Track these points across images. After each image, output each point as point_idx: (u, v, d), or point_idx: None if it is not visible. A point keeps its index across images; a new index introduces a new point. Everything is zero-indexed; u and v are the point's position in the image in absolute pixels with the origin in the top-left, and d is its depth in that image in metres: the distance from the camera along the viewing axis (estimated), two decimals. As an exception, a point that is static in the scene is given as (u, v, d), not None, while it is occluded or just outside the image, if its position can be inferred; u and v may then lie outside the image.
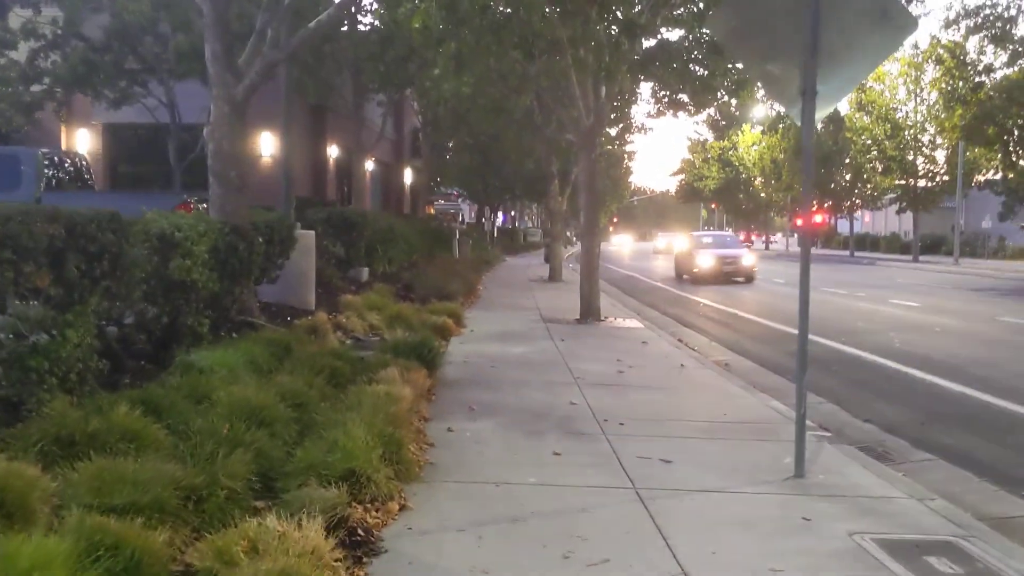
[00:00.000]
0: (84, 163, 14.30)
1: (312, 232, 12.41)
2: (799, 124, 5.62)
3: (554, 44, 12.64)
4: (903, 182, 39.99)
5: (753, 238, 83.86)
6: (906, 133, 38.95)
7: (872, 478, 5.59)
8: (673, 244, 53.03)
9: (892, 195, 42.21)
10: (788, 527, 4.63)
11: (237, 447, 4.67)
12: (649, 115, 26.82)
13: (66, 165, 13.46)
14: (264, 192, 24.23)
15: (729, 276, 26.94)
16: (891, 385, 9.68)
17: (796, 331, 6.17)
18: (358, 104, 20.20)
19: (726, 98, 24.70)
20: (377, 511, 4.36)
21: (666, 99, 25.61)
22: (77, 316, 5.15)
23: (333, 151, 27.43)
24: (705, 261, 27.31)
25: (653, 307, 18.66)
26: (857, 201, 50.85)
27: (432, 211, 56.73)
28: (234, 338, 8.04)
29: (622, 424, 6.70)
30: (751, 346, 12.62)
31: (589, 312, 14.12)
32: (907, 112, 39.22)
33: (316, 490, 4.23)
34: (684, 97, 25.44)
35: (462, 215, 70.00)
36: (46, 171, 12.58)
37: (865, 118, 41.28)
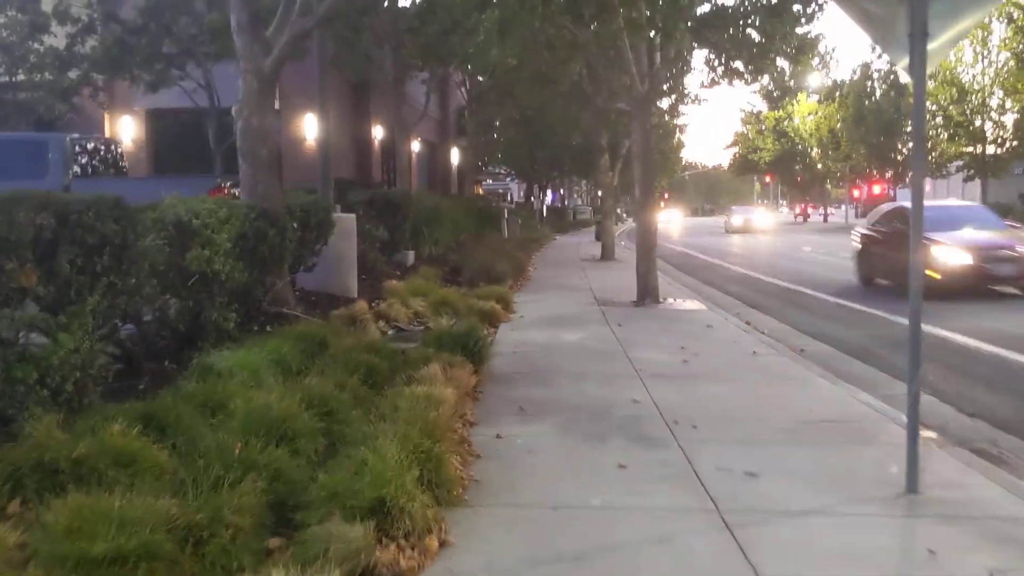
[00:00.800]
0: (117, 149, 13.83)
1: (353, 215, 11.75)
2: (906, 74, 4.72)
3: (605, 5, 11.73)
4: (971, 149, 37.96)
5: (809, 210, 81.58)
6: (973, 97, 36.93)
7: (998, 491, 4.72)
8: (760, 220, 50.98)
9: (959, 163, 40.16)
10: (911, 562, 3.82)
11: (250, 470, 4.00)
12: (703, 85, 25.35)
13: (98, 151, 12.98)
14: (307, 175, 23.73)
15: (1002, 283, 14.67)
16: (989, 371, 8.70)
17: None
18: (399, 80, 19.46)
19: (784, 65, 23.50)
20: (413, 548, 3.63)
21: (720, 68, 24.50)
22: (72, 317, 4.50)
23: (377, 132, 26.82)
24: (953, 256, 14.37)
25: (712, 285, 17.71)
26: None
27: (480, 191, 56.06)
28: (264, 333, 7.40)
29: (695, 426, 5.89)
30: (827, 328, 11.66)
31: (647, 293, 13.27)
32: (974, 76, 37.18)
33: (340, 525, 3.51)
34: (739, 65, 24.35)
35: (511, 194, 69.20)
36: (77, 158, 12.09)
37: (930, 83, 39.30)
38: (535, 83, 19.96)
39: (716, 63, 24.26)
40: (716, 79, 25.27)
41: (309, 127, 24.46)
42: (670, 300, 13.65)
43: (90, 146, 12.79)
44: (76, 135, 12.87)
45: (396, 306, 10.65)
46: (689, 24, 14.18)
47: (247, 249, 7.36)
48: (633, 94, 12.96)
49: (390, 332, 9.25)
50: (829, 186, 76.57)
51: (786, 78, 25.83)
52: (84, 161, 12.45)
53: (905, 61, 4.66)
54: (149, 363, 6.55)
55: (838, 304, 14.27)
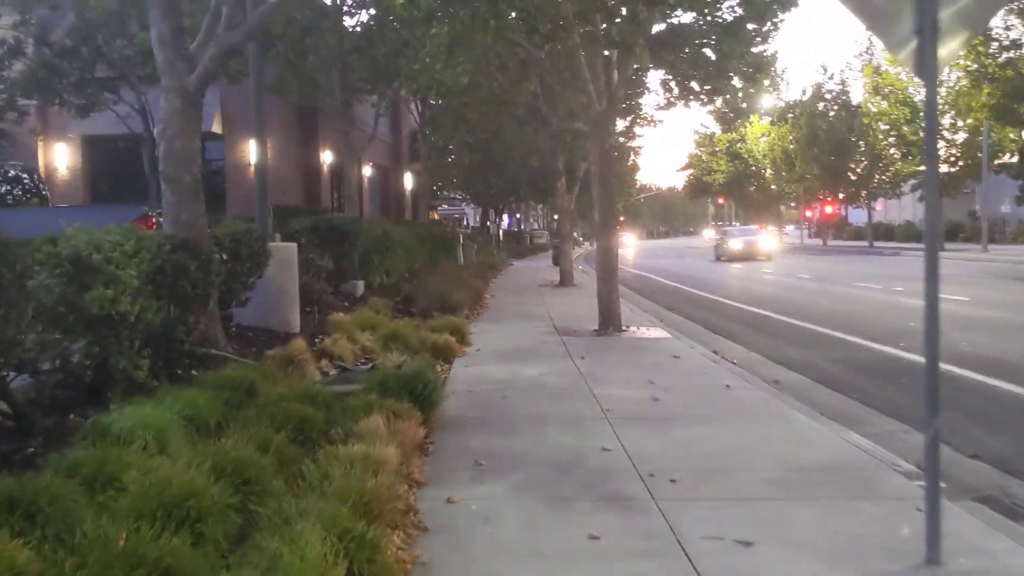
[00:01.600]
0: (37, 177, 12.86)
1: (293, 244, 10.94)
2: (912, 73, 4.11)
3: (560, 20, 11.15)
4: (924, 168, 38.17)
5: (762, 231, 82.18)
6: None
7: (1029, 558, 4.07)
8: (766, 244, 40.77)
9: (913, 181, 40.45)
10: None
11: (136, 568, 3.19)
12: (659, 107, 25.10)
13: (16, 179, 12.02)
14: (252, 204, 22.78)
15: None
16: (980, 402, 8.12)
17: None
18: (347, 103, 18.71)
19: (740, 84, 23.24)
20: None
21: (677, 88, 24.16)
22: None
23: (326, 157, 26.03)
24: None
25: (674, 310, 17.13)
26: (875, 189, 49.03)
27: (436, 216, 55.38)
28: (184, 381, 6.55)
29: (673, 480, 5.18)
30: (796, 355, 11.09)
31: (609, 321, 12.61)
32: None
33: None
34: (695, 85, 24.04)
35: (466, 219, 68.67)
36: (-9, 186, 11.14)
37: (883, 103, 39.59)
38: (488, 105, 19.37)
39: (672, 83, 23.98)
40: (672, 100, 25.01)
41: (253, 153, 23.54)
42: (633, 328, 13.01)
43: (7, 174, 11.82)
44: (-13, 162, 11.91)
45: (341, 342, 9.83)
46: (645, 42, 13.68)
47: (165, 285, 6.52)
48: (591, 113, 12.36)
49: (333, 372, 8.44)
50: (783, 207, 77.22)
51: (740, 99, 25.51)
52: (1, 190, 11.46)
53: (908, 59, 4.05)
54: (48, 419, 5.68)
55: (802, 327, 13.76)
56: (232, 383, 6.28)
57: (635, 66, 13.01)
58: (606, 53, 12.58)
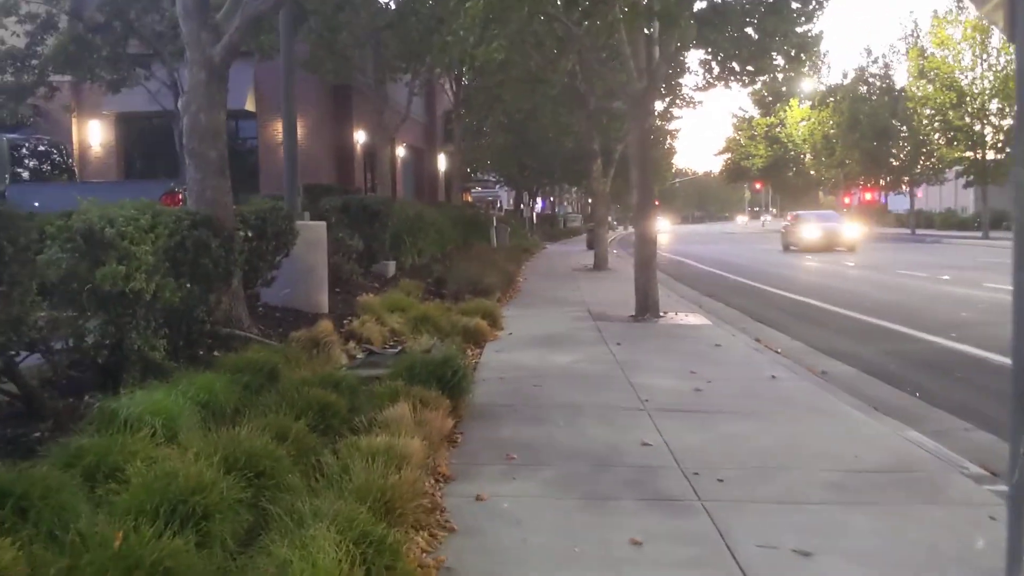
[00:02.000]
0: (64, 151, 12.69)
1: (322, 223, 10.64)
2: (1004, 35, 3.65)
3: (600, -7, 10.71)
4: (969, 154, 37.12)
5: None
6: (972, 101, 36.07)
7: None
8: (849, 232, 32.63)
9: (958, 168, 39.31)
10: None
11: (132, 571, 2.90)
12: (698, 87, 24.53)
13: (45, 154, 11.84)
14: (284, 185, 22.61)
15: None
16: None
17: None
18: (380, 82, 18.36)
19: (784, 64, 22.59)
20: None
21: (717, 68, 23.55)
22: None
23: (359, 137, 25.74)
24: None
25: (714, 297, 16.63)
26: (917, 176, 47.81)
27: (469, 198, 55.08)
28: (205, 362, 6.28)
29: (721, 480, 4.80)
30: (843, 345, 10.60)
31: (646, 307, 12.19)
32: (973, 79, 36.35)
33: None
34: (736, 66, 23.41)
35: (500, 202, 68.26)
36: (19, 160, 10.94)
37: (928, 87, 38.47)
38: (524, 84, 18.93)
39: (713, 64, 23.37)
40: (711, 81, 24.41)
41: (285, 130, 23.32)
42: (671, 314, 12.58)
43: (34, 148, 11.65)
44: (15, 135, 11.72)
45: (369, 324, 9.53)
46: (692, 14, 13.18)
47: (185, 262, 6.24)
48: (630, 91, 11.90)
49: (360, 355, 8.13)
50: (821, 193, 75.89)
51: (781, 81, 24.83)
52: (28, 164, 11.28)
53: (994, 12, 3.59)
54: (62, 401, 5.44)
55: (848, 316, 13.23)
56: (253, 366, 6.01)
57: (677, 44, 12.48)
58: (647, 31, 12.13)
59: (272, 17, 10.94)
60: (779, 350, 9.99)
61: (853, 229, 34.47)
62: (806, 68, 23.98)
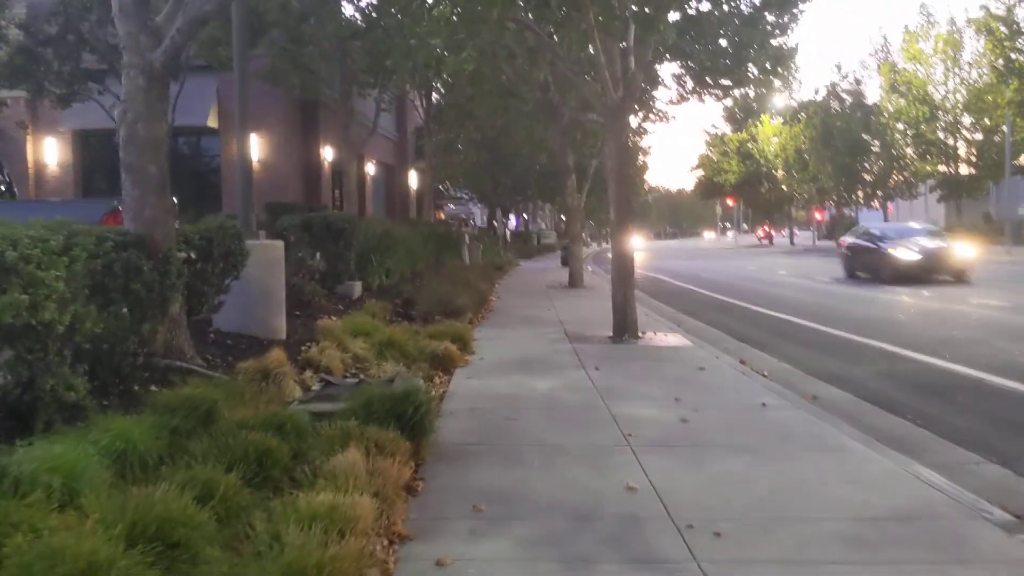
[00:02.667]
0: (3, 169, 11.91)
1: (280, 243, 9.97)
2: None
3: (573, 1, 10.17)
4: (943, 168, 37.09)
5: (772, 233, 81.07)
6: (945, 115, 36.07)
7: None
8: (963, 253, 22.06)
9: (932, 182, 39.30)
10: None
11: None
12: (671, 101, 24.18)
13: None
14: (256, 201, 21.87)
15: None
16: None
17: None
18: (346, 94, 17.74)
19: (759, 76, 22.28)
20: None
21: (692, 82, 23.19)
22: None
23: (327, 153, 25.06)
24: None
25: (692, 315, 16.09)
26: (891, 191, 47.80)
27: (442, 215, 54.46)
28: (134, 401, 5.58)
29: (717, 534, 4.19)
30: (832, 366, 10.07)
31: (624, 327, 11.61)
32: (945, 93, 36.37)
33: None
34: (710, 80, 23.08)
35: (473, 219, 67.72)
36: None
37: (900, 100, 38.46)
38: (495, 98, 18.38)
39: (687, 77, 23.00)
40: (685, 94, 24.04)
41: (255, 148, 22.64)
42: (650, 335, 12.01)
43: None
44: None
45: (329, 351, 8.87)
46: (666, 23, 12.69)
47: (114, 288, 5.56)
48: (606, 102, 11.36)
49: (316, 386, 7.45)
50: (794, 209, 76.09)
51: (756, 95, 24.52)
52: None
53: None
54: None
55: (833, 335, 12.74)
56: (188, 404, 5.32)
57: (653, 52, 11.98)
58: (622, 44, 11.63)
59: (218, 19, 10.29)
60: (766, 373, 9.43)
61: (965, 250, 22.80)
62: (781, 81, 23.66)
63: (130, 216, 7.08)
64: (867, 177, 49.89)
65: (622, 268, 11.75)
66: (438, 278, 17.54)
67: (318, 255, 11.72)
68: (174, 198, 7.91)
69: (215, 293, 7.48)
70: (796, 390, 8.43)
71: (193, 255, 7.11)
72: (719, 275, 29.78)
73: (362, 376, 8.00)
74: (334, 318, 11.50)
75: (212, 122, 22.28)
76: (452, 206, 63.61)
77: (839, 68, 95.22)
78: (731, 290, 22.10)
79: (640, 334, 11.80)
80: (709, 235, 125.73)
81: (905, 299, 18.14)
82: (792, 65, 22.08)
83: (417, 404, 5.43)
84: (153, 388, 6.37)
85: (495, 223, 48.20)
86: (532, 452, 5.76)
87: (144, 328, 5.89)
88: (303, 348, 9.21)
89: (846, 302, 18.07)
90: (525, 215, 68.72)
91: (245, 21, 10.59)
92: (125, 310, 5.82)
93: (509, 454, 5.72)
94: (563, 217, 71.77)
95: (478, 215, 63.48)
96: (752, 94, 24.43)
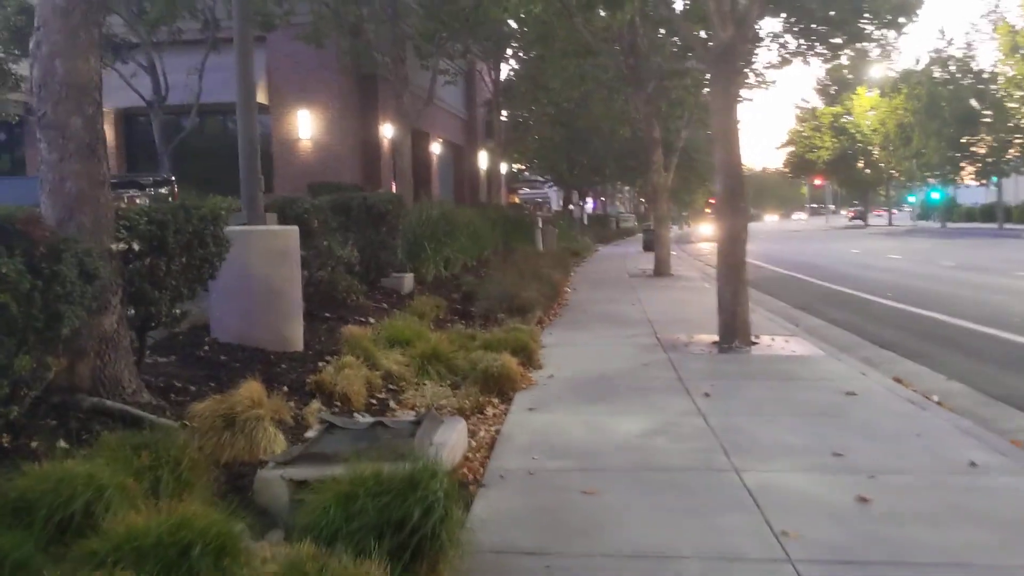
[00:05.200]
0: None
1: (292, 229, 7.82)
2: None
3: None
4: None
5: (867, 214, 76.40)
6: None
7: None
8: None
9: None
10: None
11: None
12: (770, 64, 21.34)
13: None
14: (301, 182, 19.95)
15: None
16: None
17: None
18: (399, 60, 15.53)
19: (878, 32, 19.38)
20: None
21: (797, 40, 20.41)
22: None
23: (389, 132, 23.02)
24: None
25: (807, 311, 13.44)
26: (1006, 165, 43.27)
27: (516, 200, 52.31)
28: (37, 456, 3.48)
29: None
30: (1010, 381, 7.49)
31: (734, 331, 9.15)
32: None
33: None
34: (817, 40, 20.30)
35: (550, 203, 65.38)
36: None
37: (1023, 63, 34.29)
38: (570, 59, 15.95)
39: (790, 33, 20.19)
40: (787, 56, 21.18)
41: (303, 124, 20.75)
42: (766, 339, 9.54)
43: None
44: None
45: (351, 369, 6.71)
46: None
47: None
48: (713, 44, 8.89)
49: (312, 430, 5.26)
50: (891, 189, 71.29)
51: (873, 51, 21.46)
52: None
53: None
54: None
55: (995, 336, 10.05)
56: (59, 494, 3.20)
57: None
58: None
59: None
60: (934, 397, 6.90)
61: None
62: (900, 37, 20.61)
63: (46, 191, 4.99)
64: (979, 151, 45.40)
65: (731, 256, 9.27)
66: (507, 267, 15.30)
67: (350, 244, 9.55)
68: (171, 176, 5.87)
69: (173, 299, 5.33)
70: (998, 429, 5.90)
71: (136, 247, 4.98)
72: (821, 259, 26.77)
73: (383, 418, 5.80)
74: (372, 320, 9.36)
75: (261, 98, 20.43)
76: (527, 189, 61.37)
77: (943, 33, 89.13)
78: (843, 278, 19.23)
79: (754, 339, 9.34)
80: (800, 216, 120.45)
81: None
82: (915, 16, 19.03)
83: (428, 505, 3.15)
84: (62, 443, 4.32)
85: (571, 206, 45.71)
86: (621, 567, 3.44)
87: (19, 363, 3.77)
88: (321, 364, 7.10)
89: (1003, 295, 15.12)
90: (603, 198, 66.04)
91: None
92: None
93: (581, 561, 3.41)
94: (642, 199, 68.68)
95: (554, 199, 61.16)
96: (870, 52, 21.37)
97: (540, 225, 25.47)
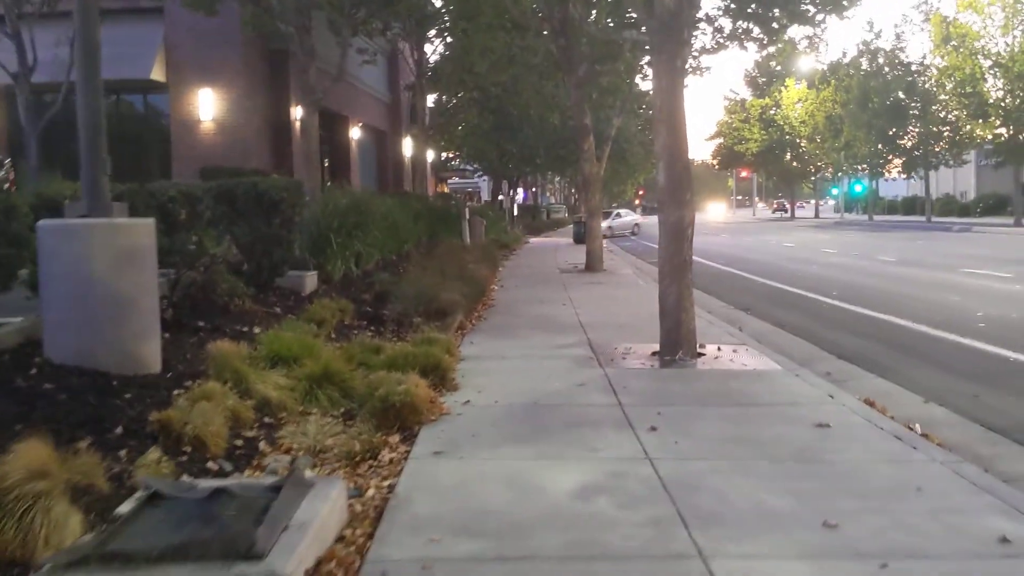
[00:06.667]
0: None
1: (144, 222, 6.33)
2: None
3: None
4: (1002, 131, 32.88)
5: (787, 206, 77.19)
6: (1008, 71, 31.65)
7: None
8: None
9: (987, 148, 35.22)
10: None
11: None
12: (706, 49, 20.42)
13: None
14: (205, 164, 18.15)
15: None
16: None
17: None
18: (303, 28, 13.95)
19: (818, 12, 18.56)
20: None
21: (732, 22, 19.45)
22: None
23: (299, 114, 21.36)
24: None
25: (751, 312, 12.40)
26: (934, 158, 43.48)
27: (445, 189, 50.83)
28: None
29: None
30: (1004, 405, 6.49)
31: (678, 341, 7.99)
32: (1008, 46, 32.09)
33: None
34: (754, 24, 19.38)
35: (480, 193, 64.02)
36: None
37: (955, 55, 34.13)
38: (496, 33, 14.62)
39: (732, 7, 19.25)
40: (722, 40, 20.23)
41: (205, 104, 18.95)
42: (712, 349, 8.41)
43: None
44: None
45: (208, 403, 5.28)
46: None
47: None
48: (656, 14, 7.67)
49: (131, 500, 3.84)
50: (817, 180, 71.90)
51: (814, 36, 20.62)
52: None
53: None
54: None
55: (960, 344, 9.14)
56: None
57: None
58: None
59: None
60: (914, 426, 5.83)
61: None
62: (842, 19, 19.84)
63: None
64: (907, 143, 45.50)
65: (675, 255, 8.09)
66: (427, 263, 13.94)
67: (227, 238, 8.07)
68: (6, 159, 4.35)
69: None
70: (1003, 474, 4.83)
71: None
72: (757, 254, 26.05)
73: (231, 481, 4.45)
74: (258, 330, 7.91)
75: (157, 75, 18.60)
76: (458, 179, 59.90)
77: (871, 25, 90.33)
78: (783, 274, 18.39)
79: (700, 348, 8.19)
80: (719, 207, 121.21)
81: None
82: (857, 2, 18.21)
83: None
84: None
85: (500, 196, 44.43)
86: None
87: None
88: (178, 392, 5.68)
89: (956, 295, 14.36)
90: (534, 188, 64.98)
91: None
92: None
93: None
94: (573, 190, 67.78)
95: (485, 189, 59.86)
96: (798, 44, 20.54)
97: (467, 216, 24.11)
